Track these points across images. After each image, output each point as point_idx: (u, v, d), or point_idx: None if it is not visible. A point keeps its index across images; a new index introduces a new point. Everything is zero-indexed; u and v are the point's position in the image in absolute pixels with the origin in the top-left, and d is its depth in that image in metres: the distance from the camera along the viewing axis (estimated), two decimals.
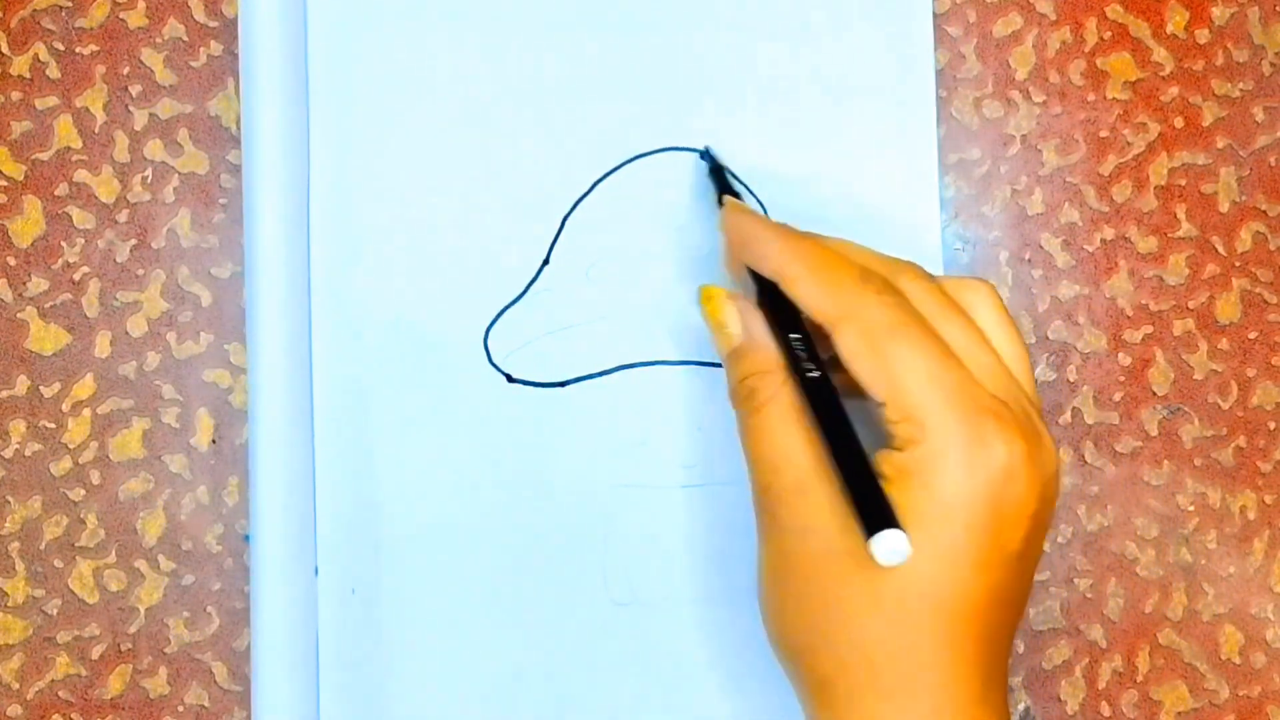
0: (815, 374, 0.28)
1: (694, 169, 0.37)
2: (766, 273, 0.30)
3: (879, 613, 0.27)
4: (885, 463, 0.27)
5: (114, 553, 0.37)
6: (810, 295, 0.29)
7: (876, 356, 0.27)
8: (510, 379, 0.36)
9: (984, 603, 0.27)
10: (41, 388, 0.37)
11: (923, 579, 0.27)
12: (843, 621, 0.27)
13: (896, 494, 0.26)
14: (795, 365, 0.29)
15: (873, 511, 0.25)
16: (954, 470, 0.26)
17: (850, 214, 0.37)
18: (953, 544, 0.27)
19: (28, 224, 0.37)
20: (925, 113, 0.37)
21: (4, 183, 0.37)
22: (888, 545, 0.25)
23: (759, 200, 0.37)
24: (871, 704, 0.27)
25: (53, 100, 0.37)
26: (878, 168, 0.37)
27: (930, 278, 0.30)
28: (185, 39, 0.37)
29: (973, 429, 0.27)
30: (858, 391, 0.28)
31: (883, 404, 0.27)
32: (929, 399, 0.27)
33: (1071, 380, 0.38)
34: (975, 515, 0.26)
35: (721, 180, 0.35)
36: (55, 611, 0.37)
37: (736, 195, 0.34)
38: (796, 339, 0.29)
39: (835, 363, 0.28)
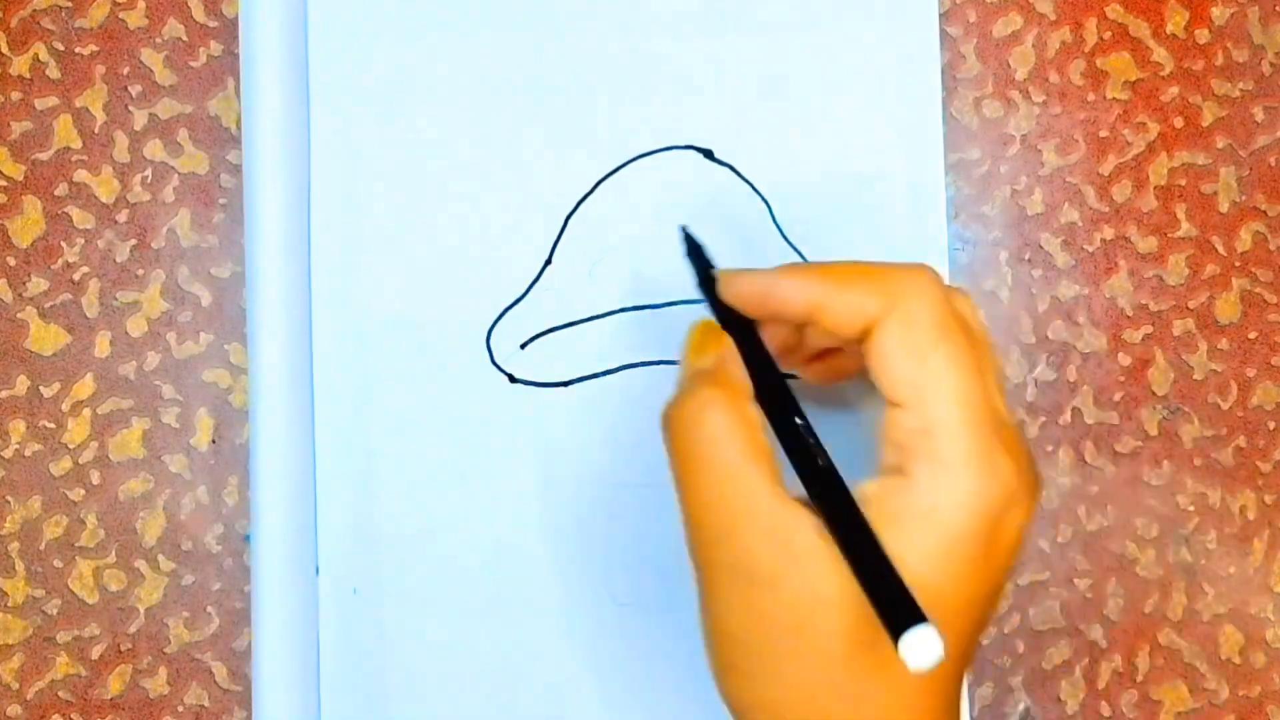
0: (823, 463, 0.26)
1: (693, 170, 0.37)
2: (797, 309, 0.27)
3: (865, 663, 0.25)
4: (876, 484, 0.26)
5: (114, 553, 0.37)
6: (849, 303, 0.26)
7: (916, 358, 0.25)
8: (513, 379, 0.36)
9: (968, 633, 0.26)
10: (41, 388, 0.37)
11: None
12: (812, 675, 0.25)
13: (890, 516, 0.25)
14: (801, 450, 0.26)
15: (899, 609, 0.23)
16: (959, 502, 0.25)
17: (853, 214, 0.37)
18: (953, 576, 0.25)
19: (28, 224, 0.37)
20: (930, 113, 0.37)
21: (4, 183, 0.37)
22: (918, 644, 0.23)
23: (763, 197, 0.37)
24: None
25: (53, 100, 0.37)
26: (882, 166, 0.37)
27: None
28: (185, 39, 0.37)
29: (986, 460, 0.25)
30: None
31: (902, 408, 0.26)
32: (953, 416, 0.25)
33: (1071, 380, 0.38)
34: (972, 549, 0.25)
35: (701, 260, 0.31)
36: (55, 611, 0.37)
37: (713, 269, 0.30)
38: (800, 423, 0.27)
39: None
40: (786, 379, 0.28)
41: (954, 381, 0.25)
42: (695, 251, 0.31)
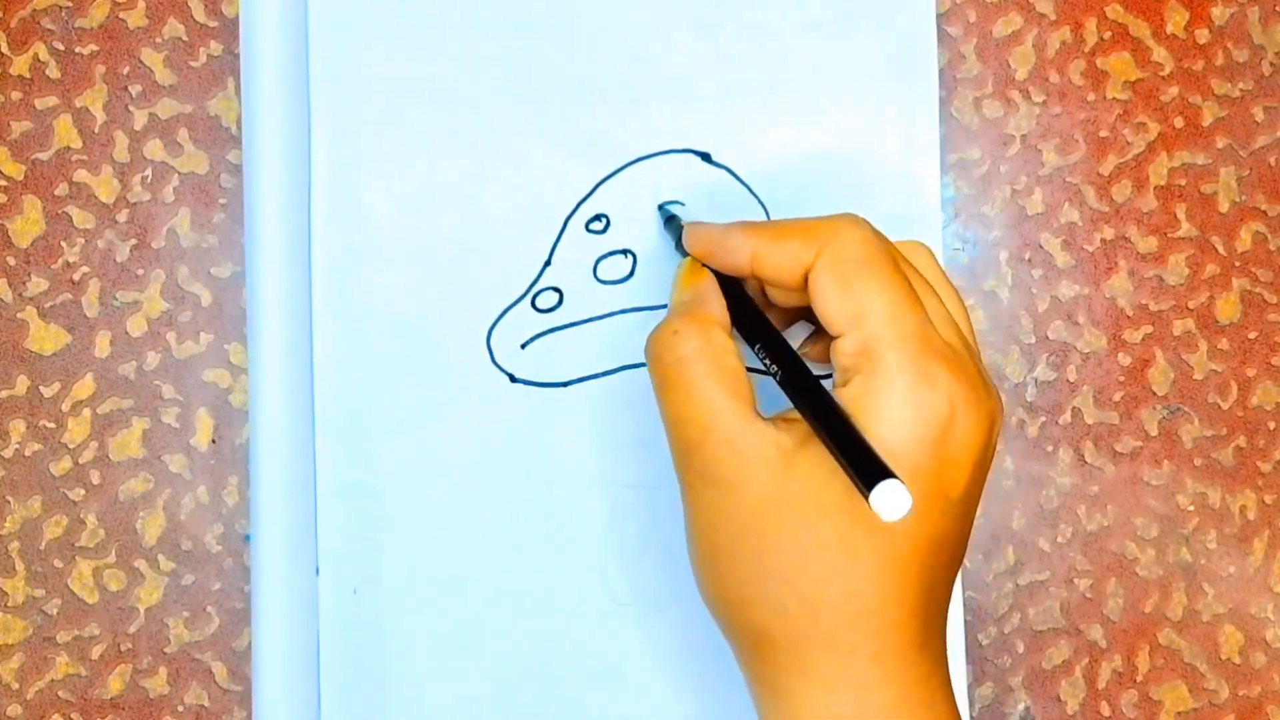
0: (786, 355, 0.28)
1: (697, 178, 0.37)
2: (742, 259, 0.30)
3: (819, 557, 0.27)
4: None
5: (114, 553, 0.37)
6: (785, 252, 0.29)
7: (845, 288, 0.28)
8: (513, 379, 0.36)
9: (924, 546, 0.27)
10: (41, 388, 0.37)
11: (864, 521, 0.27)
12: (780, 569, 0.27)
13: None
14: (772, 355, 0.29)
15: (867, 465, 0.25)
16: (900, 408, 0.26)
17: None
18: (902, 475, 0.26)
19: (28, 224, 0.37)
20: (928, 113, 0.37)
21: (4, 183, 0.37)
22: (888, 497, 0.24)
23: (760, 201, 0.37)
24: (811, 650, 0.27)
25: (53, 100, 0.37)
26: (879, 168, 0.37)
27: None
28: (185, 39, 0.37)
29: (922, 369, 0.27)
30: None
31: (841, 336, 0.28)
32: (886, 333, 0.27)
33: (1071, 380, 0.38)
34: (919, 456, 0.26)
35: (676, 225, 0.34)
36: (55, 611, 0.37)
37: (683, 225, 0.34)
38: (770, 338, 0.29)
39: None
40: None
41: (883, 303, 0.27)
42: (670, 219, 0.35)
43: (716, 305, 0.30)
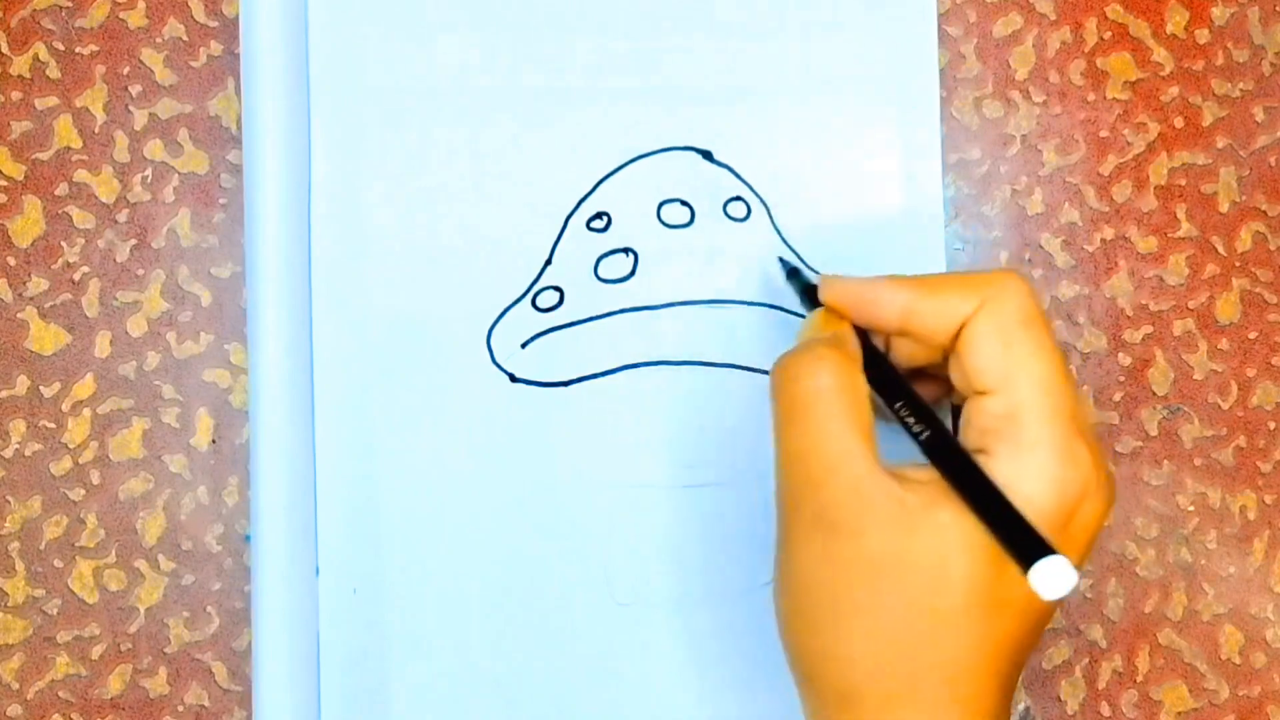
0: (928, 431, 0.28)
1: (698, 177, 0.37)
2: (893, 312, 0.29)
3: (932, 624, 0.26)
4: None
5: (114, 553, 0.37)
6: (943, 305, 0.28)
7: (1005, 346, 0.27)
8: (513, 378, 0.36)
9: (1030, 624, 0.27)
10: (41, 388, 0.37)
11: (986, 594, 0.26)
12: (889, 630, 0.26)
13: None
14: (916, 416, 0.28)
15: (1026, 541, 0.24)
16: (1041, 482, 0.26)
17: (853, 214, 0.37)
18: None
19: (28, 224, 0.37)
20: (929, 113, 0.37)
21: (4, 183, 0.37)
22: (1050, 574, 0.24)
23: (764, 202, 0.37)
24: (901, 713, 0.27)
25: (53, 100, 0.37)
26: (880, 168, 0.37)
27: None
28: (185, 39, 0.37)
29: (1068, 447, 0.26)
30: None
31: (988, 394, 0.27)
32: (1041, 403, 0.26)
33: None
34: (1051, 535, 0.26)
35: (800, 278, 0.34)
36: (55, 611, 0.37)
37: (813, 279, 0.33)
38: (911, 394, 0.28)
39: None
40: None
41: (1040, 368, 0.27)
42: (794, 272, 0.35)
43: (856, 349, 0.29)
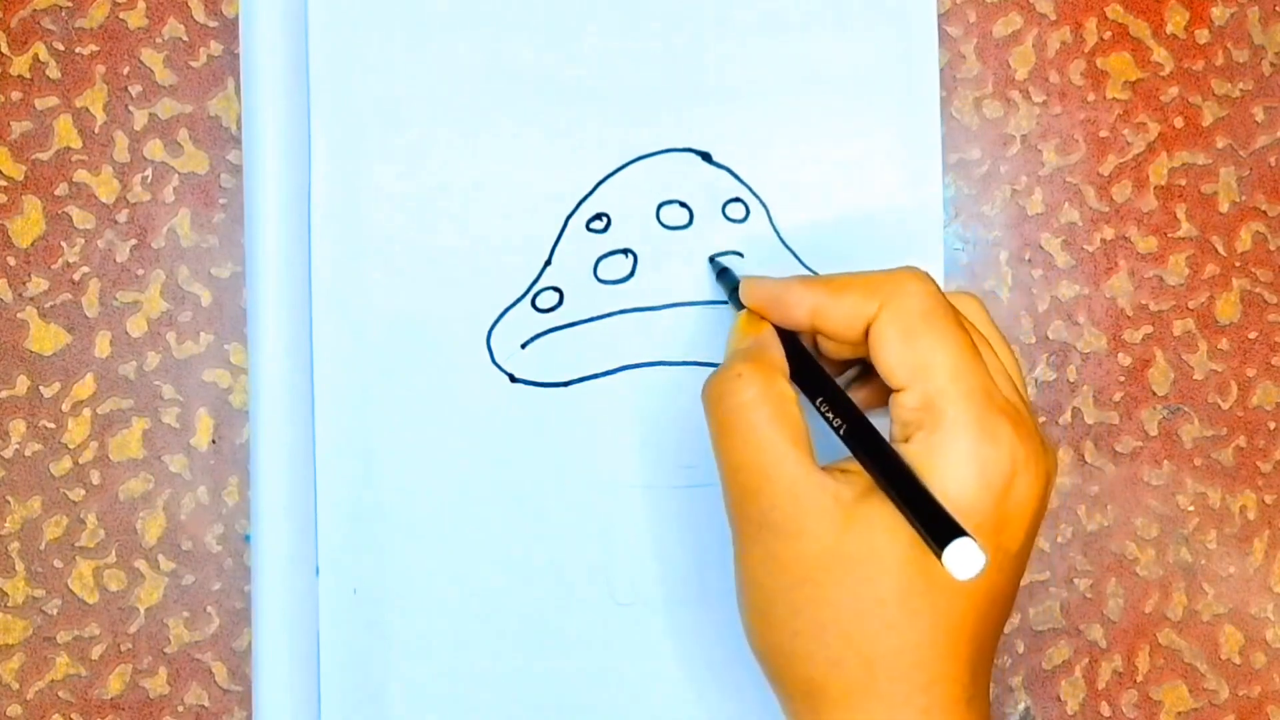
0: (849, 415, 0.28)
1: (697, 178, 0.37)
2: (802, 313, 0.30)
3: (877, 612, 0.27)
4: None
5: (114, 553, 0.37)
6: (846, 306, 0.29)
7: (908, 342, 0.28)
8: (513, 379, 0.36)
9: (981, 603, 0.28)
10: (41, 388, 0.37)
11: (923, 577, 0.27)
12: (836, 622, 0.27)
13: None
14: (834, 409, 0.28)
15: (938, 523, 0.25)
16: (964, 465, 0.26)
17: (852, 215, 0.37)
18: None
19: (28, 224, 0.37)
20: (929, 113, 0.37)
21: (4, 183, 0.37)
22: (961, 556, 0.24)
23: (764, 203, 0.37)
24: (864, 704, 0.27)
25: (53, 100, 0.37)
26: (880, 168, 0.37)
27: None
28: (185, 39, 0.37)
29: (986, 426, 0.27)
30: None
31: (903, 389, 0.27)
32: (950, 389, 0.27)
33: (1071, 380, 0.38)
34: (981, 514, 0.26)
35: (729, 278, 0.35)
36: (55, 611, 0.37)
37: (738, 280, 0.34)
38: (832, 391, 0.29)
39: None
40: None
41: (945, 358, 0.27)
42: (723, 272, 0.36)
43: (778, 354, 0.30)
